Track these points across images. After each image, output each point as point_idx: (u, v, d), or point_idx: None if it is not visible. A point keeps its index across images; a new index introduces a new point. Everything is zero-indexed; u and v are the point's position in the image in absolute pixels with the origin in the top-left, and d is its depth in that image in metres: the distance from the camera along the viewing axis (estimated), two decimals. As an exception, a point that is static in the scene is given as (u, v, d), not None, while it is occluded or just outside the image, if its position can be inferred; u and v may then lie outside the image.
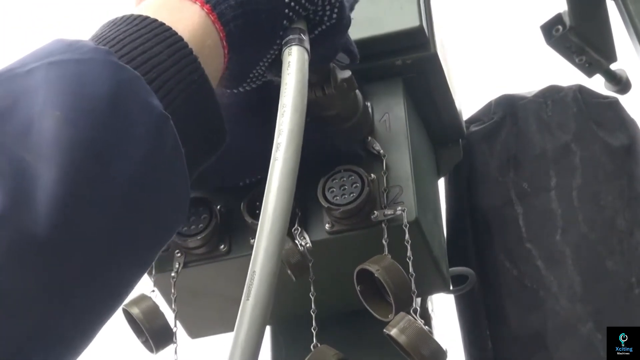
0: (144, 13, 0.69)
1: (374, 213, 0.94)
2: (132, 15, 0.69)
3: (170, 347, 0.97)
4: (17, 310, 0.53)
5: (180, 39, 0.68)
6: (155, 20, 0.68)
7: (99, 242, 0.57)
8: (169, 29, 0.68)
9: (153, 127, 0.61)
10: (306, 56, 0.77)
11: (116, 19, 0.69)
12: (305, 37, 0.79)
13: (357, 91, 0.97)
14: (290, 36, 0.78)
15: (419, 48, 1.03)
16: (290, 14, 0.79)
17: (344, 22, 0.85)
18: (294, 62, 0.76)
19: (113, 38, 0.66)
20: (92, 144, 0.57)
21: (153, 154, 0.61)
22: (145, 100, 0.62)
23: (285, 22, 0.79)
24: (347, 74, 0.93)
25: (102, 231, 0.57)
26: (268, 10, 0.77)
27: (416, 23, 1.01)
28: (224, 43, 0.73)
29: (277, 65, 0.79)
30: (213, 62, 0.71)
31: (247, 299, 0.65)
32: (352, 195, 0.94)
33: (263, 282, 0.65)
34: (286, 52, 0.77)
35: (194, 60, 0.67)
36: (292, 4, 0.79)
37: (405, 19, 1.01)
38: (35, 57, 0.61)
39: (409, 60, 1.03)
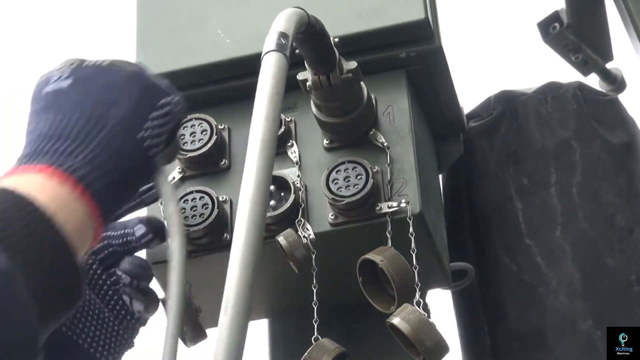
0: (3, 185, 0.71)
1: (378, 205, 0.94)
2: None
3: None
4: None
5: (33, 206, 0.69)
6: (8, 190, 0.69)
7: None
8: (23, 197, 0.69)
9: None
10: (284, 62, 0.78)
11: None
12: (286, 42, 0.79)
13: (361, 83, 0.96)
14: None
15: (423, 41, 1.02)
16: (156, 150, 0.79)
17: None
18: (270, 69, 0.77)
19: None
20: None
21: None
22: None
23: (155, 159, 0.80)
24: (353, 64, 0.93)
25: None
26: (136, 167, 0.79)
27: (421, 15, 1.00)
28: (100, 220, 0.75)
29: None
30: (77, 233, 0.72)
31: (225, 314, 0.66)
32: (356, 187, 0.93)
33: (239, 297, 0.66)
34: (265, 58, 0.78)
35: (50, 228, 0.68)
36: (154, 141, 0.79)
37: (410, 12, 1.01)
38: None
39: (413, 52, 1.02)
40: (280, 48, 0.78)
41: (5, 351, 0.62)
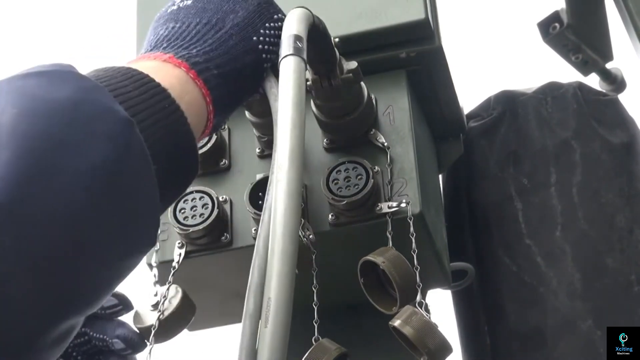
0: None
1: (378, 205, 0.94)
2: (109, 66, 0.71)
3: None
4: None
5: (147, 75, 0.69)
6: (123, 66, 0.70)
7: (58, 225, 0.56)
8: (137, 70, 0.69)
9: (117, 128, 0.61)
10: (303, 66, 0.77)
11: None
12: (302, 46, 0.78)
13: (362, 83, 0.96)
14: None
15: (423, 41, 1.02)
16: (269, 56, 0.81)
17: None
18: (290, 75, 0.76)
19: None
20: (49, 134, 0.58)
21: (118, 153, 0.60)
22: (107, 105, 0.62)
23: (266, 65, 0.81)
24: (353, 65, 0.93)
25: (65, 217, 0.57)
26: (248, 65, 0.80)
27: (422, 16, 1.00)
28: (211, 107, 0.75)
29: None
30: (191, 114, 0.72)
31: (266, 327, 0.65)
32: (356, 187, 0.93)
33: (280, 308, 0.66)
34: (282, 62, 0.77)
35: (162, 91, 0.69)
36: (267, 47, 0.81)
37: (410, 12, 1.01)
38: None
39: (413, 52, 1.02)
40: (297, 52, 0.77)
41: (130, 205, 0.61)
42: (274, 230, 0.68)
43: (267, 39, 0.81)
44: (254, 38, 0.81)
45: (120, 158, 0.60)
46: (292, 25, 0.79)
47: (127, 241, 0.62)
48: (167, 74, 0.73)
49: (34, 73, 0.62)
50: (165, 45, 0.78)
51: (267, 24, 0.82)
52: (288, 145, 0.71)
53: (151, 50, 0.78)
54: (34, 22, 2.25)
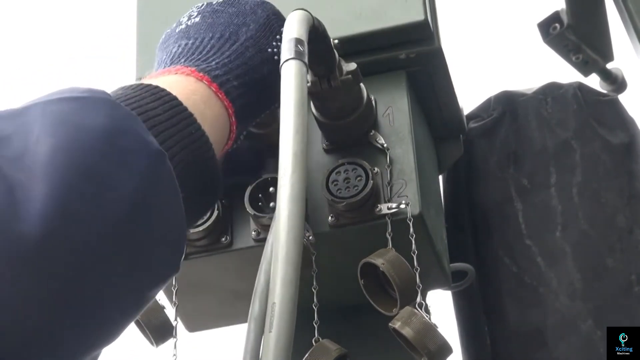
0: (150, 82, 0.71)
1: (377, 207, 0.94)
2: (134, 83, 0.71)
3: (170, 341, 0.96)
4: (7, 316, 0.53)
5: (175, 98, 0.69)
6: (150, 84, 0.70)
7: (87, 260, 0.56)
8: (165, 90, 0.70)
9: (149, 161, 0.62)
10: (305, 70, 0.76)
11: (119, 87, 0.71)
12: (303, 49, 0.78)
13: (361, 84, 0.96)
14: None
15: (423, 42, 1.02)
16: None
17: None
18: (292, 79, 0.75)
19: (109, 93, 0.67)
20: (85, 167, 0.58)
21: (149, 186, 0.61)
22: (141, 136, 0.62)
23: None
24: (352, 66, 0.93)
25: (97, 251, 0.57)
26: (266, 76, 0.81)
27: (421, 17, 1.00)
28: (233, 119, 0.77)
29: None
30: (215, 131, 0.73)
31: (270, 331, 0.65)
32: (356, 188, 0.93)
33: (284, 313, 0.66)
34: (284, 66, 0.76)
35: (189, 116, 0.69)
36: None
37: (410, 13, 1.01)
38: (35, 99, 0.62)
39: (413, 53, 1.02)
40: (298, 55, 0.77)
41: (158, 235, 0.62)
42: (278, 235, 0.68)
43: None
44: (269, 50, 0.82)
45: (151, 191, 0.61)
46: (293, 29, 0.79)
47: (153, 272, 0.62)
48: (190, 89, 0.74)
49: (68, 98, 0.62)
50: (182, 60, 0.78)
51: (277, 36, 0.83)
52: (291, 150, 0.71)
53: (170, 65, 0.78)
54: (34, 22, 2.26)
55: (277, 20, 0.85)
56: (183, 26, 0.85)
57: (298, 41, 0.78)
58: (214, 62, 0.78)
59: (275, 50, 0.82)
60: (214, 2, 0.87)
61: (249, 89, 0.79)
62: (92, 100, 0.62)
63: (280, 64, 0.77)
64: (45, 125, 0.59)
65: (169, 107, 0.68)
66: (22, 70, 2.18)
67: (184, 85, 0.74)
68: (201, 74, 0.76)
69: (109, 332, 0.60)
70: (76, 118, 0.60)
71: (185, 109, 0.69)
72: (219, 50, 0.80)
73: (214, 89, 0.75)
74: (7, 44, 2.18)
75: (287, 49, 0.77)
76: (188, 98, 0.71)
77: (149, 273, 0.62)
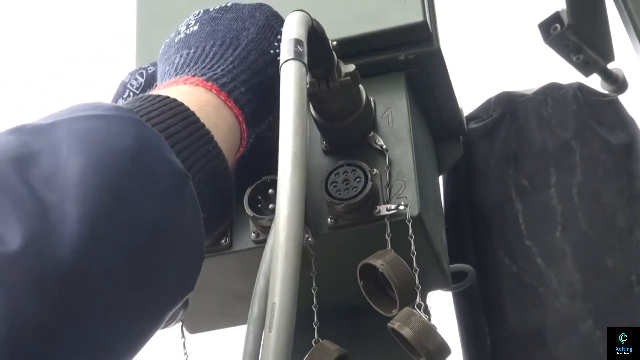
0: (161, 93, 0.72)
1: (376, 208, 0.94)
2: (149, 94, 0.72)
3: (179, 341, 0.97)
4: (36, 338, 0.53)
5: (193, 114, 0.70)
6: (168, 97, 0.71)
7: (117, 282, 0.57)
8: (182, 104, 0.70)
9: (174, 183, 0.63)
10: (304, 70, 0.76)
11: (134, 97, 0.72)
12: (302, 50, 0.78)
13: (360, 86, 0.96)
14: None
15: (422, 43, 1.02)
16: None
17: None
18: (291, 80, 0.75)
19: (130, 107, 0.68)
20: (115, 189, 0.58)
21: (173, 209, 0.62)
22: (166, 156, 0.63)
23: None
24: (351, 68, 0.93)
25: (122, 273, 0.58)
26: (271, 78, 0.81)
27: (420, 18, 1.00)
28: (244, 127, 0.77)
29: None
30: (228, 141, 0.74)
31: (270, 331, 0.66)
32: (355, 190, 0.93)
33: (284, 313, 0.66)
34: (283, 67, 0.76)
35: (206, 134, 0.70)
36: None
37: (408, 14, 1.01)
38: (58, 114, 0.63)
39: (412, 55, 1.02)
40: (298, 56, 0.77)
41: (180, 257, 0.62)
42: (278, 236, 0.68)
43: None
44: (271, 51, 0.83)
45: (175, 214, 0.62)
46: (292, 29, 0.79)
47: (172, 292, 0.63)
48: (202, 100, 0.74)
49: (95, 116, 0.62)
50: (187, 70, 0.79)
51: (279, 36, 0.83)
52: (290, 151, 0.71)
53: (172, 76, 0.78)
54: (34, 22, 2.26)
55: (276, 21, 0.85)
56: (182, 35, 0.85)
57: (297, 42, 0.78)
58: (219, 70, 0.78)
59: (277, 51, 0.83)
60: (211, 9, 0.87)
61: (256, 93, 0.79)
62: (119, 119, 0.63)
63: (280, 64, 0.77)
64: (73, 144, 0.59)
65: (187, 123, 0.69)
66: (22, 70, 2.18)
67: (195, 96, 0.74)
68: (210, 83, 0.76)
69: (125, 354, 0.60)
70: (104, 137, 0.60)
71: (203, 125, 0.70)
72: (222, 57, 0.80)
73: (222, 98, 0.76)
74: (7, 44, 2.19)
75: (286, 50, 0.77)
76: (201, 109, 0.72)
77: (168, 294, 0.63)
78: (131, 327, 0.60)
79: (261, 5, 0.88)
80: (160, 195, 0.61)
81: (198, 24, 0.85)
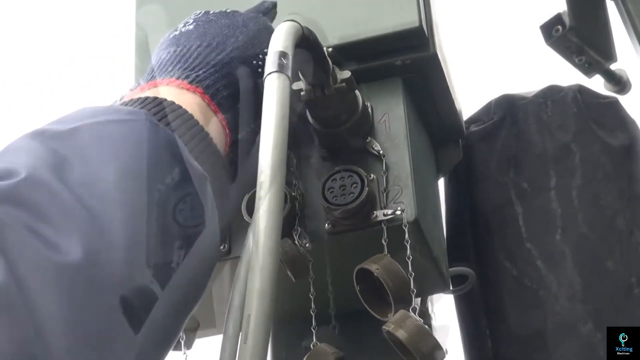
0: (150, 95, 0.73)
1: (373, 213, 0.94)
2: (147, 97, 0.73)
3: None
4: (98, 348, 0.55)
5: (192, 116, 0.72)
6: (165, 99, 0.72)
7: (159, 284, 0.60)
8: (181, 107, 0.72)
9: (198, 185, 0.65)
10: (287, 83, 0.77)
11: (131, 100, 0.73)
12: (287, 62, 0.78)
13: (356, 92, 0.97)
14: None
15: (418, 48, 1.02)
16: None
17: None
18: (274, 92, 0.75)
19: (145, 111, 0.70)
20: (148, 194, 0.60)
21: (200, 209, 0.64)
22: (188, 160, 0.65)
23: None
24: (346, 74, 0.94)
25: (161, 273, 0.60)
26: (252, 88, 0.82)
27: (416, 23, 1.01)
28: (227, 131, 0.78)
29: None
30: (218, 143, 0.76)
31: (245, 342, 0.66)
32: (351, 195, 0.94)
33: (260, 325, 0.66)
34: (267, 80, 0.77)
35: (206, 136, 0.73)
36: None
37: (404, 19, 1.01)
38: (74, 118, 0.64)
39: (408, 60, 1.03)
40: (281, 68, 0.77)
41: (199, 261, 0.65)
42: (255, 248, 0.69)
43: None
44: (254, 62, 0.83)
45: (201, 214, 0.65)
46: (279, 41, 0.79)
47: (187, 305, 0.66)
48: (189, 102, 0.75)
49: (116, 121, 0.64)
50: (170, 69, 0.79)
51: (266, 50, 0.82)
52: (269, 164, 0.72)
53: (158, 74, 0.79)
54: (34, 22, 2.27)
55: (267, 35, 0.84)
56: (177, 32, 0.86)
57: (282, 54, 0.78)
58: (201, 72, 0.79)
59: (260, 63, 0.83)
60: (211, 12, 0.88)
61: (236, 100, 0.80)
62: (140, 124, 0.64)
63: (264, 76, 0.77)
64: (102, 149, 0.61)
65: (189, 125, 0.71)
66: (22, 70, 2.19)
67: (183, 98, 0.75)
68: (193, 86, 0.77)
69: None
70: (134, 143, 0.62)
71: (202, 129, 0.72)
72: (205, 59, 0.81)
73: (206, 100, 0.77)
74: (7, 43, 2.20)
75: (270, 62, 0.77)
76: (194, 111, 0.73)
77: (184, 304, 0.66)
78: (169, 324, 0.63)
79: (258, 17, 0.88)
80: (189, 198, 0.63)
81: (194, 24, 0.86)
